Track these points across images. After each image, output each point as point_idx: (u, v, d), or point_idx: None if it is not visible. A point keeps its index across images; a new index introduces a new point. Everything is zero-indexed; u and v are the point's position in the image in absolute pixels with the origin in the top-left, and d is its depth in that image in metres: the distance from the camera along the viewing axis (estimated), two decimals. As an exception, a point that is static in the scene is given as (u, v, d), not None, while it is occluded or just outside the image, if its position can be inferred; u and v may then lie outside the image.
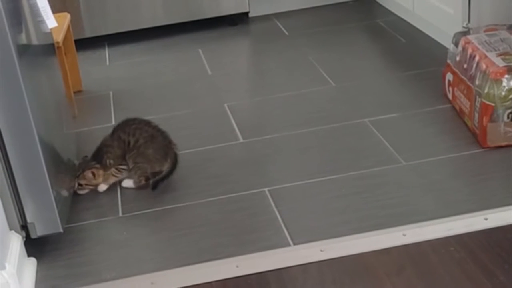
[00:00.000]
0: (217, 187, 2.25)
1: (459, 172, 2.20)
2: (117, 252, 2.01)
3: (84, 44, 3.61)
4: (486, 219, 1.91)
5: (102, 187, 2.30)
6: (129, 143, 2.28)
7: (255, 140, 2.54)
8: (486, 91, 2.23)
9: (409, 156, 2.29)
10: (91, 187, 2.29)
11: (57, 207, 1.95)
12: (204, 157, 2.44)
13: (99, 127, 2.77)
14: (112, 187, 2.32)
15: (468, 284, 1.68)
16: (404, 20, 3.56)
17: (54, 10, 2.22)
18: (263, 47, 3.56)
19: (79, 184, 2.27)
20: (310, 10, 3.96)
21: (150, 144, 2.27)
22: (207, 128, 2.68)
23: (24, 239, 1.95)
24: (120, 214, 2.18)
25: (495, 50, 2.33)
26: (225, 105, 2.84)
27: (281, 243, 1.93)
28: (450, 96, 2.56)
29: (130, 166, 2.29)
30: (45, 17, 2.09)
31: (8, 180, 1.87)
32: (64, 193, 2.10)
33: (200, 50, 3.52)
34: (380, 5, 3.86)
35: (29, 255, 1.95)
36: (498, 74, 2.21)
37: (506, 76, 2.20)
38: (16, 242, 1.88)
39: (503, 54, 2.30)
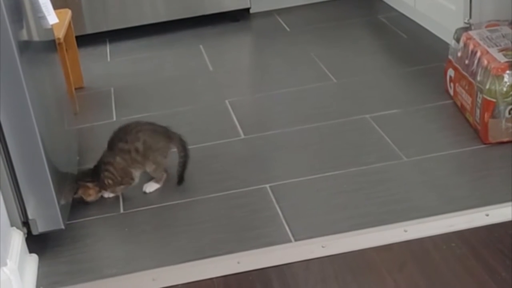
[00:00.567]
0: (218, 183, 2.25)
1: (461, 168, 2.20)
2: (119, 248, 2.02)
3: (85, 40, 3.61)
4: (487, 215, 1.91)
5: (106, 194, 2.25)
6: (136, 150, 2.20)
7: (256, 136, 2.53)
8: (487, 87, 2.23)
9: (411, 152, 2.29)
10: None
11: (58, 203, 1.95)
12: (205, 154, 2.44)
13: (101, 124, 2.77)
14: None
15: (469, 280, 1.68)
16: (406, 16, 3.55)
17: (55, 6, 2.22)
18: (264, 43, 3.55)
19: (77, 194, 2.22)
20: (312, 6, 3.96)
21: (157, 138, 2.23)
22: (208, 124, 2.68)
23: (26, 235, 1.95)
24: (122, 210, 2.18)
25: (497, 46, 2.33)
26: (227, 101, 2.84)
27: (282, 239, 1.93)
28: (451, 92, 2.56)
29: (152, 168, 2.23)
30: (46, 13, 2.08)
31: (10, 177, 1.87)
32: (66, 189, 2.10)
33: (201, 46, 3.52)
34: (381, 1, 3.85)
35: (30, 251, 1.95)
36: (499, 70, 2.21)
37: (508, 72, 2.20)
38: (17, 238, 1.88)
39: (504, 50, 2.29)
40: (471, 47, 2.38)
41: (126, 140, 2.20)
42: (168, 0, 3.73)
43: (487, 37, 2.41)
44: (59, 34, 2.76)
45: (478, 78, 2.28)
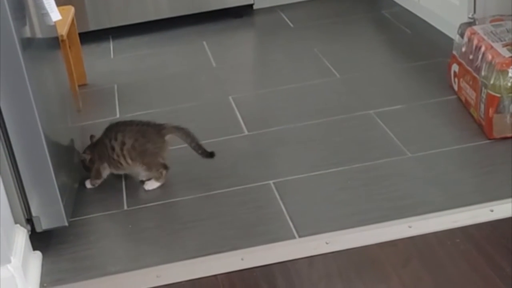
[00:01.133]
0: (222, 180, 2.25)
1: (465, 163, 2.20)
2: (122, 245, 2.02)
3: (89, 37, 3.61)
4: (492, 210, 1.90)
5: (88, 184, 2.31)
6: (112, 148, 2.23)
7: (260, 133, 2.53)
8: (492, 82, 2.22)
9: (415, 147, 2.28)
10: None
11: (62, 200, 1.95)
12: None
13: (104, 121, 2.76)
14: (117, 180, 2.32)
15: (474, 276, 1.67)
16: (410, 11, 3.54)
17: (58, 3, 2.21)
18: (268, 39, 3.55)
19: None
20: (315, 1, 3.95)
21: (143, 140, 2.23)
22: (212, 120, 2.68)
23: (29, 232, 1.95)
24: (125, 207, 2.18)
25: (501, 41, 2.32)
26: (230, 98, 2.84)
27: (286, 236, 1.93)
28: (456, 87, 2.55)
29: (142, 168, 2.24)
30: (49, 10, 2.08)
31: (13, 174, 1.88)
32: (69, 186, 2.10)
33: (204, 43, 3.52)
34: (385, -4, 3.85)
35: (34, 248, 1.95)
36: (504, 65, 2.20)
37: (512, 66, 2.19)
38: (21, 235, 1.88)
39: (509, 45, 2.28)
40: (475, 42, 2.38)
41: (108, 136, 2.25)
42: (171, -3, 3.74)
43: (491, 32, 2.40)
44: (62, 31, 2.76)
45: (483, 73, 2.28)
